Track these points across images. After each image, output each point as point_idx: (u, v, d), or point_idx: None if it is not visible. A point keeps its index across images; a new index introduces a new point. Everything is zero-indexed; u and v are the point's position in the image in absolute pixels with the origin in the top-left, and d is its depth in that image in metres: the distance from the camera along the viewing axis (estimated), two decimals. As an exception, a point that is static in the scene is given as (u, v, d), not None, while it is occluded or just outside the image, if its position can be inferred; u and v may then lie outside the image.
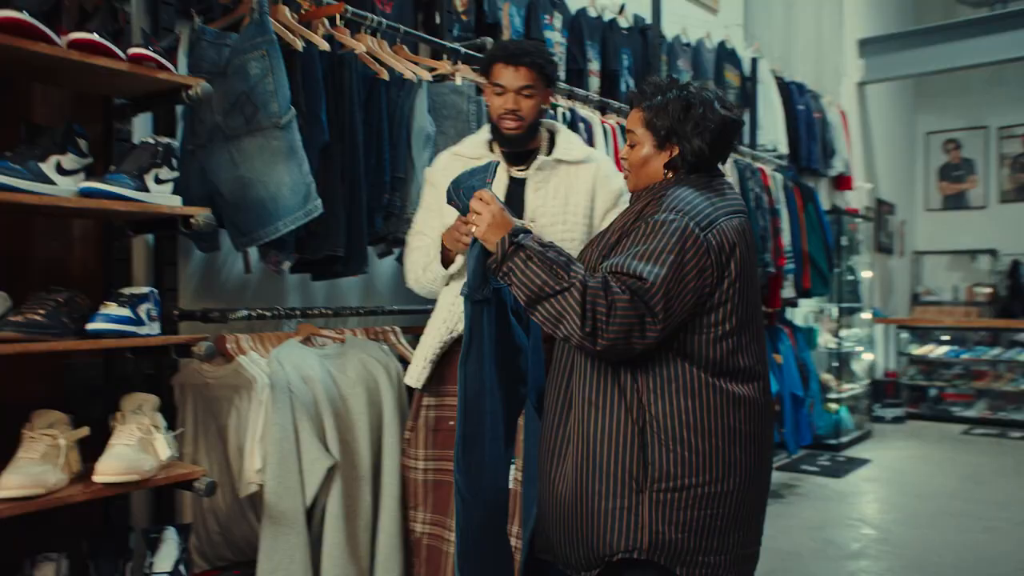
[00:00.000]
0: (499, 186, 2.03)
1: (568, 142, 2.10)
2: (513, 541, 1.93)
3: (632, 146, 1.67)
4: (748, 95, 5.29)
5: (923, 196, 9.16)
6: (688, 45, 4.82)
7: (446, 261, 1.96)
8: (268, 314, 2.22)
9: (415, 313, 2.69)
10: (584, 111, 3.24)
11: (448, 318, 1.99)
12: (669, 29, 4.53)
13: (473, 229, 1.55)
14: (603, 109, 3.52)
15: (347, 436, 2.12)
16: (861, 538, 3.92)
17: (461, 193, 1.62)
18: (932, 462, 5.72)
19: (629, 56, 4.20)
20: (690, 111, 1.58)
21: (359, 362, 2.21)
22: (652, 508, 1.46)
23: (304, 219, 2.04)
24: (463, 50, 2.83)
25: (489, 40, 2.99)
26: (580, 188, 2.05)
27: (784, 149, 5.48)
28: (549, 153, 2.07)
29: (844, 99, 6.90)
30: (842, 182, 6.74)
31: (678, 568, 1.48)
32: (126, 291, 1.74)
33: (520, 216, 2.00)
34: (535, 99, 1.99)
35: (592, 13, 4.05)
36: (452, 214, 2.00)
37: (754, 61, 5.37)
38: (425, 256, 2.04)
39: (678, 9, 4.83)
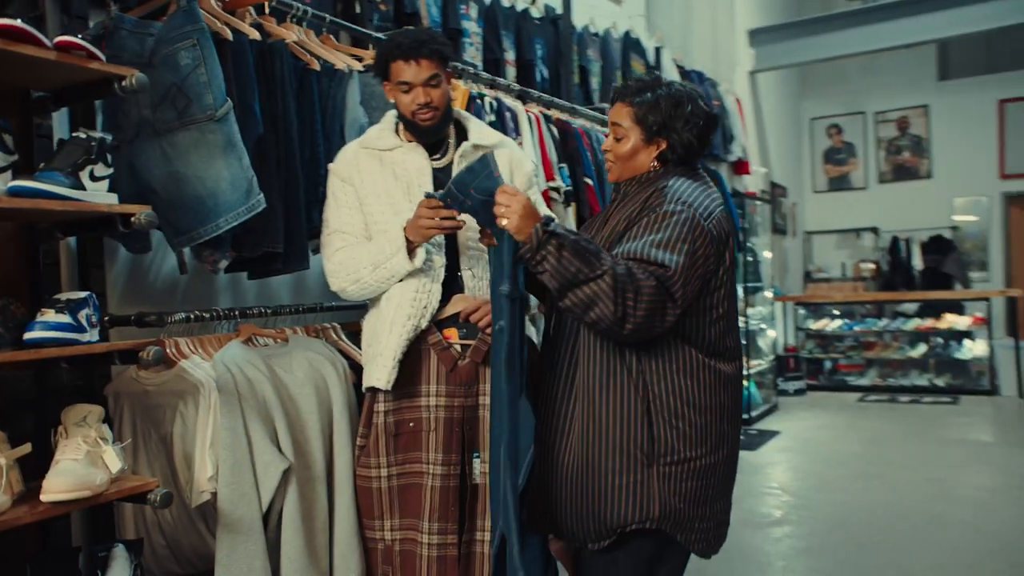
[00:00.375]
0: (424, 175, 2.00)
1: (480, 128, 2.11)
2: (484, 536, 1.92)
3: (618, 139, 1.73)
4: (653, 84, 5.42)
5: (811, 179, 9.64)
6: (596, 35, 4.90)
7: (410, 254, 1.88)
8: (207, 315, 2.12)
9: (352, 309, 2.63)
10: (508, 100, 3.24)
11: (412, 314, 1.91)
12: (577, 19, 4.58)
13: (504, 222, 1.53)
14: (523, 98, 3.54)
15: (299, 437, 2.06)
16: (782, 505, 4.11)
17: (472, 192, 1.58)
18: (835, 429, 6.05)
19: (542, 45, 4.23)
20: (680, 107, 1.66)
21: (306, 360, 2.15)
22: (660, 481, 1.56)
23: (247, 215, 1.96)
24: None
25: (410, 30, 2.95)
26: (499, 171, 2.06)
27: (688, 136, 5.64)
28: (458, 140, 2.06)
29: (738, 87, 7.17)
30: (740, 167, 7.02)
31: (679, 535, 1.57)
32: (62, 297, 1.62)
33: None
34: (442, 86, 1.96)
35: (506, 3, 4.05)
36: (379, 209, 1.96)
37: (658, 50, 5.51)
38: (367, 255, 1.94)
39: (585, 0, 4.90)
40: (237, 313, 2.21)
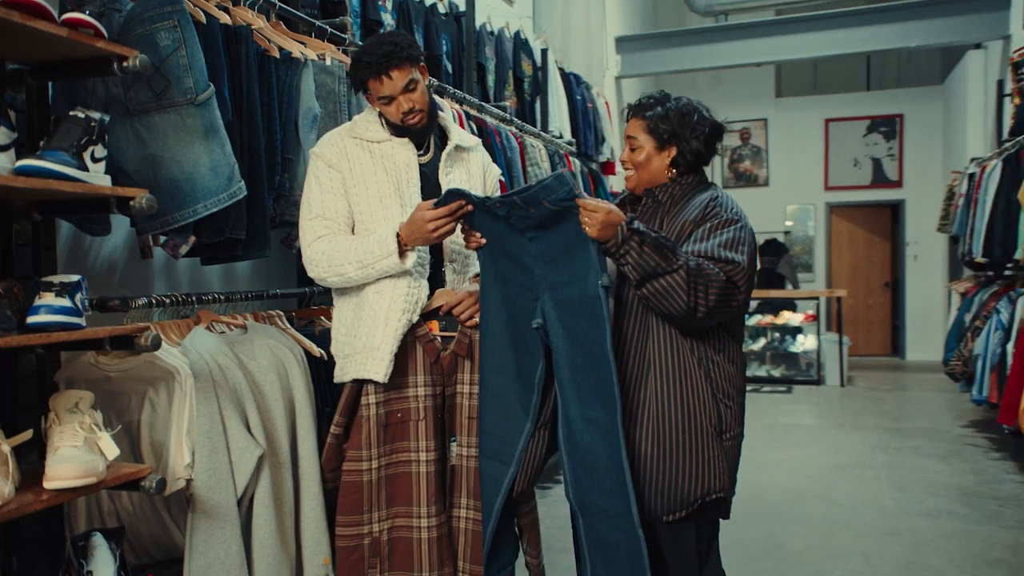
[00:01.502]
0: (412, 171, 2.05)
1: (458, 129, 2.20)
2: (461, 512, 2.04)
3: (633, 150, 1.91)
4: (540, 84, 5.64)
5: (663, 181, 10.27)
6: (492, 34, 5.04)
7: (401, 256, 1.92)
8: (167, 300, 2.08)
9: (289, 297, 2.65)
10: (436, 97, 3.32)
11: (407, 309, 1.94)
12: (476, 18, 4.70)
13: (588, 230, 1.67)
14: (440, 94, 3.63)
15: (267, 423, 2.07)
16: (660, 485, 4.46)
17: (545, 204, 1.70)
18: (690, 415, 6.55)
19: (447, 41, 4.32)
20: (687, 117, 1.85)
21: (267, 348, 2.16)
22: (725, 454, 1.80)
23: (228, 201, 1.95)
24: (330, 29, 2.79)
25: (349, 21, 2.97)
26: (475, 173, 2.17)
27: (569, 136, 5.91)
28: (439, 137, 2.14)
29: (607, 91, 7.55)
30: (607, 167, 7.39)
31: (725, 501, 1.83)
32: (55, 279, 1.58)
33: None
34: (420, 86, 2.00)
35: (415, -3, 4.11)
36: (365, 200, 1.99)
37: (544, 52, 5.73)
38: (353, 252, 1.94)
39: (482, -2, 5.02)
40: (194, 299, 2.18)
